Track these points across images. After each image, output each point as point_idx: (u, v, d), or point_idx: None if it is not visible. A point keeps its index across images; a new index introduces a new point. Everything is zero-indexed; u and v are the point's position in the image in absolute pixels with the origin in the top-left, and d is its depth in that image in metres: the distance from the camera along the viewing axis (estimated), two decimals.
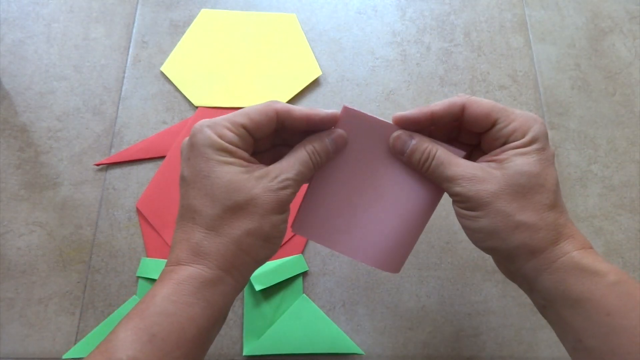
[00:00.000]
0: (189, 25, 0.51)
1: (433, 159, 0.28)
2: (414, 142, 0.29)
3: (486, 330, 0.40)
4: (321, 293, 0.41)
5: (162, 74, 0.48)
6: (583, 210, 0.45)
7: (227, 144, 0.27)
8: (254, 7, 0.52)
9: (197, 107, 0.47)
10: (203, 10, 0.52)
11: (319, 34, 0.51)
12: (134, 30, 0.50)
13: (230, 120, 0.27)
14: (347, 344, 0.39)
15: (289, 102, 0.48)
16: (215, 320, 0.26)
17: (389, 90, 0.49)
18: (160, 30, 0.51)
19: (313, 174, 0.30)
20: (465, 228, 0.29)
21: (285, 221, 0.28)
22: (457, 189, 0.28)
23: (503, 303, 0.41)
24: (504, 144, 0.28)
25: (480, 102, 0.29)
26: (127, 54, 0.49)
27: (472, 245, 0.43)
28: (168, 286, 0.25)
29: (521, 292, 0.31)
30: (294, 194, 0.28)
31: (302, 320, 0.39)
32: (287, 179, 0.27)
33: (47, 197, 0.43)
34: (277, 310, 0.39)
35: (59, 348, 0.38)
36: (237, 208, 0.26)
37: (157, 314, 0.24)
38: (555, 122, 0.49)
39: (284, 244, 0.42)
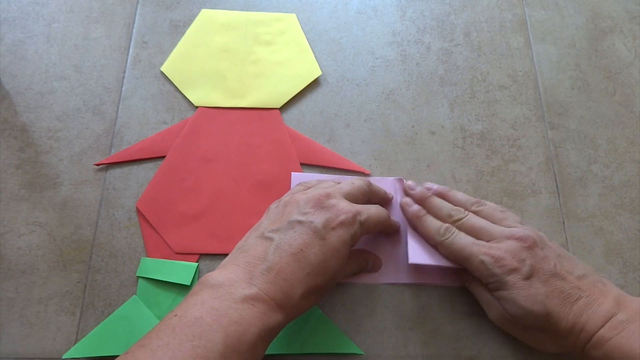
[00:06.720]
0: (189, 25, 0.51)
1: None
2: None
3: (486, 330, 0.40)
4: None
5: (162, 74, 0.48)
6: (583, 210, 0.45)
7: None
8: (254, 7, 0.52)
9: (197, 107, 0.47)
10: (203, 10, 0.52)
11: (319, 34, 0.51)
12: (134, 30, 0.50)
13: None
14: (347, 344, 0.38)
15: (289, 101, 0.48)
16: None
17: (389, 90, 0.49)
18: (160, 30, 0.51)
19: None
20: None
21: None
22: None
23: None
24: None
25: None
26: (127, 54, 0.49)
27: None
28: (255, 331, 0.28)
29: None
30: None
31: (302, 320, 0.39)
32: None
33: (47, 197, 0.43)
34: None
35: (59, 348, 0.38)
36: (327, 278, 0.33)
37: None
38: (555, 122, 0.49)
39: None
